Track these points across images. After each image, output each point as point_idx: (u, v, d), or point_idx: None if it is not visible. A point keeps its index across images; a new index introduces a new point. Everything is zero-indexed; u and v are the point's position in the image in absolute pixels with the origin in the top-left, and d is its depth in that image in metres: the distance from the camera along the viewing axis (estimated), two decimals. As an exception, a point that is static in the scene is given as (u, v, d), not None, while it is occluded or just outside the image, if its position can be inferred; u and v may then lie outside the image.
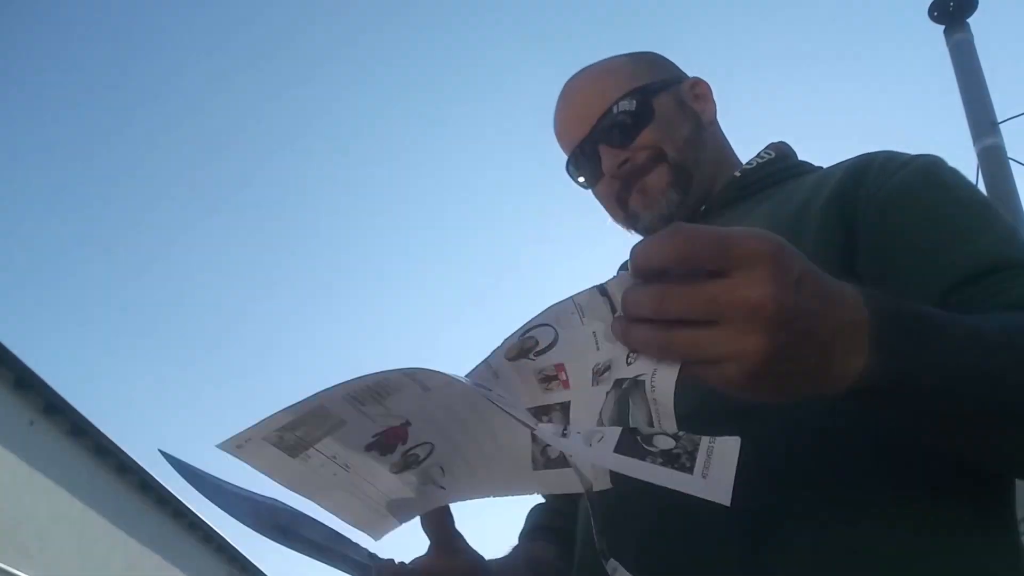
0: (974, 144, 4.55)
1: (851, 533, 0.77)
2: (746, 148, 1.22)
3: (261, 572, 14.17)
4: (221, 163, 20.44)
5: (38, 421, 9.35)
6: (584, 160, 1.14)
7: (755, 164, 1.13)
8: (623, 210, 1.14)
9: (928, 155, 0.96)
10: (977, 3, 4.69)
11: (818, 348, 0.58)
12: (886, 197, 0.91)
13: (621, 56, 1.19)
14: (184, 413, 21.13)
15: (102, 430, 10.14)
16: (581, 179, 1.17)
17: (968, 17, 4.72)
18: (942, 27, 4.75)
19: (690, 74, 1.22)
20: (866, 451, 0.81)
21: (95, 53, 18.25)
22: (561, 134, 1.17)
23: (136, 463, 10.72)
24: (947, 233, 0.86)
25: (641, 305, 0.58)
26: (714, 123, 1.17)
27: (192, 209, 20.61)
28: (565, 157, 1.19)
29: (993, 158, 4.49)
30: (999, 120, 4.57)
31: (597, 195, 1.17)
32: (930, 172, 0.93)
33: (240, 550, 13.35)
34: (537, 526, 1.18)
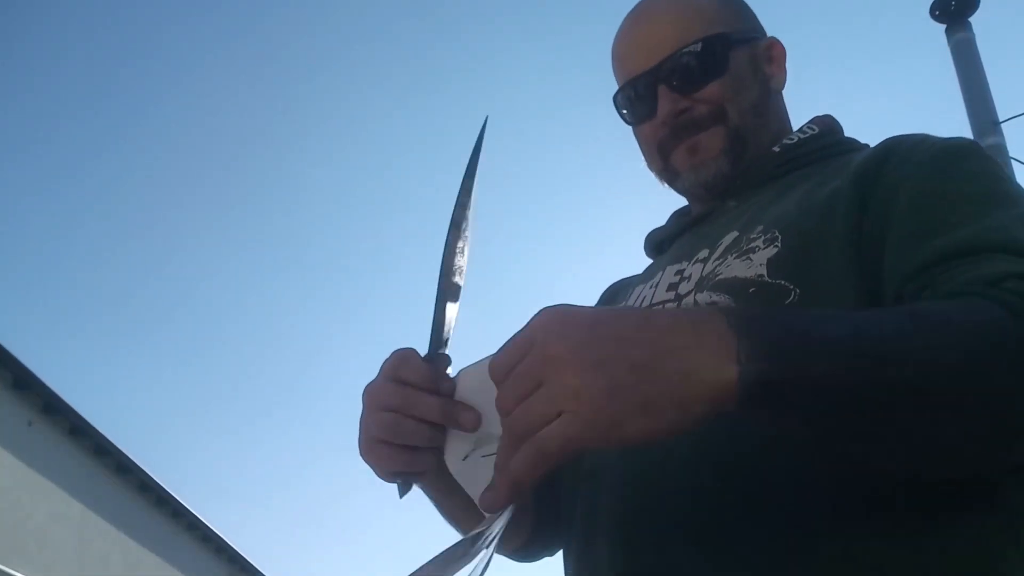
0: (976, 143, 4.53)
1: (869, 544, 0.74)
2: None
3: (260, 572, 14.17)
4: (218, 163, 20.43)
5: (37, 421, 9.34)
6: (638, 95, 1.04)
7: (796, 140, 1.04)
8: (663, 160, 1.05)
9: (958, 138, 0.90)
10: (979, 2, 4.66)
11: (650, 372, 0.60)
12: (897, 178, 0.86)
13: None
14: (183, 413, 21.13)
15: (101, 430, 10.14)
16: (626, 112, 1.08)
17: (970, 16, 4.69)
18: (943, 26, 4.72)
19: None
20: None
21: (92, 53, 18.24)
22: (621, 58, 1.07)
23: (135, 463, 10.72)
24: (935, 219, 0.81)
25: (504, 406, 0.65)
26: (780, 93, 1.08)
27: (191, 208, 20.61)
28: (614, 88, 1.09)
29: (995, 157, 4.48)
30: (1000, 120, 4.55)
31: (639, 135, 1.08)
32: (946, 156, 0.87)
33: (239, 550, 13.35)
34: None
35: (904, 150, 0.89)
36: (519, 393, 0.62)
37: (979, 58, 4.67)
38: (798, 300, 0.83)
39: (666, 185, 1.08)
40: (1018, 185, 0.88)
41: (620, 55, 1.07)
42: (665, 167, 1.05)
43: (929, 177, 0.84)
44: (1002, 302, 0.68)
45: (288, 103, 21.80)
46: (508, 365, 0.64)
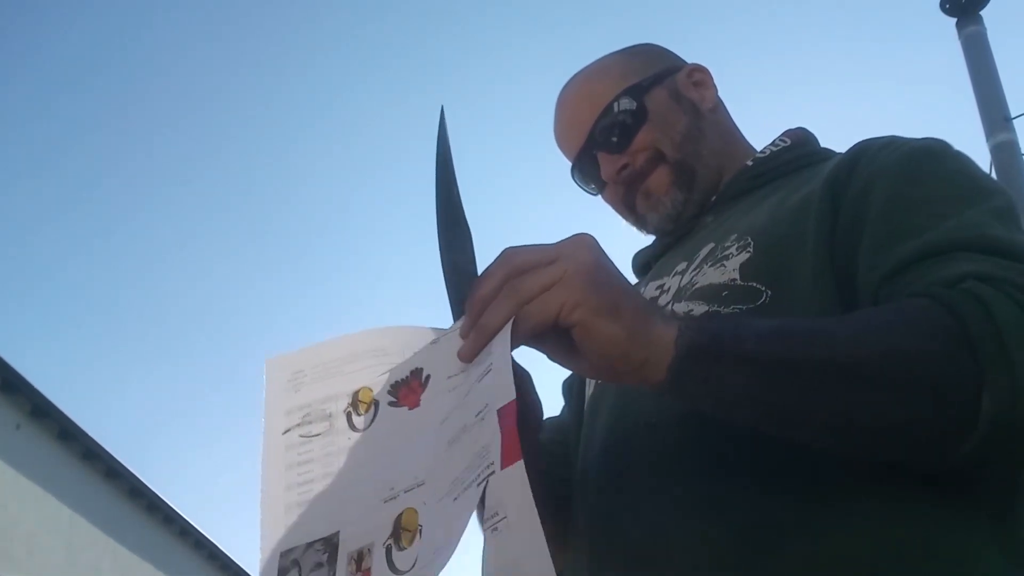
0: (987, 140, 4.52)
1: (844, 540, 0.75)
2: (754, 142, 1.17)
3: (253, 578, 14.07)
4: (212, 162, 20.37)
5: (25, 425, 9.24)
6: (586, 168, 1.13)
7: (768, 152, 1.09)
8: (632, 214, 1.13)
9: (927, 139, 0.90)
10: (990, -5, 4.62)
11: (630, 298, 0.70)
12: (867, 182, 0.87)
13: (611, 55, 1.17)
14: (175, 417, 21.05)
15: (90, 434, 10.06)
16: (586, 187, 1.17)
17: (981, 10, 4.69)
18: (954, 20, 4.70)
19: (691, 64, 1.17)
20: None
21: (79, 45, 18.16)
22: (561, 144, 1.17)
23: (125, 468, 10.65)
24: (907, 223, 0.82)
25: (497, 271, 0.70)
26: (717, 109, 1.14)
27: (180, 210, 20.51)
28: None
29: (1006, 154, 4.46)
30: (1012, 116, 4.54)
31: (606, 201, 1.16)
32: (916, 158, 0.88)
33: (231, 556, 13.29)
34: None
35: (872, 153, 0.90)
36: (539, 258, 0.69)
37: (990, 53, 4.65)
38: (769, 301, 0.86)
39: (644, 234, 1.16)
40: (990, 179, 0.90)
41: (559, 143, 1.16)
42: (636, 218, 1.13)
43: (900, 181, 0.86)
44: (946, 301, 0.71)
45: (284, 99, 21.74)
46: (540, 249, 0.71)
